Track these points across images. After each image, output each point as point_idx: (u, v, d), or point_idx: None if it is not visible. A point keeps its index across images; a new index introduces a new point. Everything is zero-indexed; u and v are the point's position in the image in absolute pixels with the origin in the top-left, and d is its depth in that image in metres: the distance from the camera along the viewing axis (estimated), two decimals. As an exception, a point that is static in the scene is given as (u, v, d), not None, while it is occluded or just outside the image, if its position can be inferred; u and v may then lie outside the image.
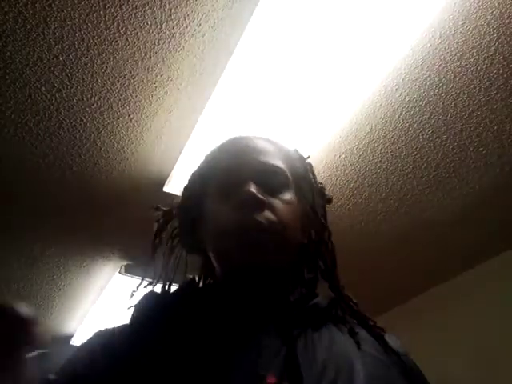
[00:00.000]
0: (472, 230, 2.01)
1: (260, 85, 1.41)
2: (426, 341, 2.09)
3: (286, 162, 0.76)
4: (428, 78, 1.45)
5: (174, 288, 0.77)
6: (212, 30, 1.30)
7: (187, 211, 0.80)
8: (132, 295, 0.80)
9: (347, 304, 0.73)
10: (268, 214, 0.67)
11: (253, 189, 0.67)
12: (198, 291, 0.76)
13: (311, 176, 0.81)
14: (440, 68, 1.43)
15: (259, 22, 1.24)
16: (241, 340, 0.62)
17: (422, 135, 1.63)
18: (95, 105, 1.53)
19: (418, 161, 1.72)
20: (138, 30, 1.31)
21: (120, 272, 2.28)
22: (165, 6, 1.25)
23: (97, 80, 1.45)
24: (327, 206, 0.83)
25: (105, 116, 1.57)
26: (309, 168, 0.82)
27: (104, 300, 2.51)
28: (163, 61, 1.39)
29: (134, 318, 0.70)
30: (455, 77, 1.45)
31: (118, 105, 1.53)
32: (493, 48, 1.36)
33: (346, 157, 1.73)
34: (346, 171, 1.78)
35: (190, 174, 0.84)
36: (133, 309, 0.72)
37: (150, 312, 0.69)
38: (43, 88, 1.47)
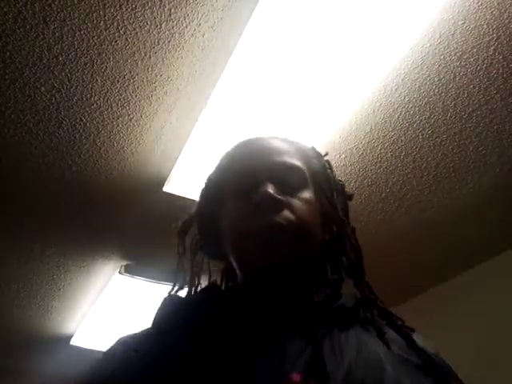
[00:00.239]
0: (472, 229, 2.01)
1: (259, 85, 1.41)
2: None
3: (303, 160, 0.76)
4: (428, 78, 1.45)
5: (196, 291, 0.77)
6: (212, 30, 1.30)
7: (205, 217, 0.80)
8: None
9: (374, 303, 0.71)
10: (287, 213, 0.67)
11: (270, 189, 0.67)
12: (220, 294, 0.75)
13: (329, 173, 0.80)
14: (440, 68, 1.43)
15: (259, 22, 1.24)
16: (265, 342, 0.61)
17: (422, 135, 1.63)
18: (95, 105, 1.53)
19: (418, 161, 1.72)
20: (137, 29, 1.31)
21: (120, 272, 2.28)
22: (164, 5, 1.25)
23: (96, 80, 1.45)
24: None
25: (104, 116, 1.57)
26: (327, 165, 0.81)
27: (104, 300, 2.51)
28: (163, 61, 1.39)
29: (155, 322, 0.70)
30: (455, 77, 1.45)
31: (117, 105, 1.53)
32: (492, 48, 1.36)
33: (345, 157, 1.73)
34: (346, 171, 1.78)
35: (205, 179, 0.84)
36: (155, 313, 0.71)
37: (172, 316, 0.69)
38: (43, 88, 1.47)
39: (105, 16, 1.27)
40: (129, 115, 1.56)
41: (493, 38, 1.33)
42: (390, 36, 1.29)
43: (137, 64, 1.40)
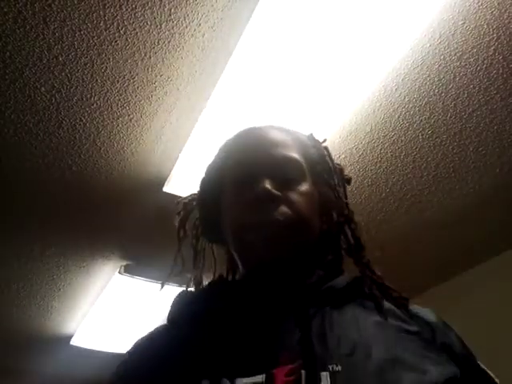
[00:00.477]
0: (472, 229, 2.01)
1: (259, 85, 1.41)
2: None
3: (300, 150, 0.77)
4: (428, 78, 1.45)
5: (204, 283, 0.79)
6: (211, 31, 1.30)
7: (206, 203, 0.82)
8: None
9: (371, 279, 0.72)
10: (284, 208, 0.68)
11: (268, 185, 0.68)
12: (225, 287, 0.77)
13: (328, 159, 0.82)
14: (440, 68, 1.43)
15: (258, 23, 1.24)
16: (260, 326, 0.63)
17: (422, 135, 1.63)
18: (95, 105, 1.53)
19: (418, 161, 1.72)
20: (137, 30, 1.31)
21: (120, 272, 2.28)
22: (164, 6, 1.25)
23: (96, 80, 1.45)
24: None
25: (104, 116, 1.57)
26: (326, 152, 0.82)
27: (104, 300, 2.51)
28: (163, 61, 1.39)
29: (170, 316, 0.73)
30: (455, 77, 1.45)
31: (117, 105, 1.53)
32: (492, 48, 1.36)
33: (345, 157, 1.73)
34: (346, 171, 1.78)
35: (206, 166, 0.85)
36: (169, 308, 0.74)
37: (183, 310, 0.72)
38: (43, 88, 1.47)
39: (105, 16, 1.27)
40: (129, 115, 1.56)
41: (493, 38, 1.33)
42: (390, 36, 1.29)
43: (137, 64, 1.40)
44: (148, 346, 0.70)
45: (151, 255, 2.16)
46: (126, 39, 1.33)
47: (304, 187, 0.73)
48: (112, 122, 1.59)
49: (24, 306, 2.66)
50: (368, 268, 0.74)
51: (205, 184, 0.84)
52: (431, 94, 1.50)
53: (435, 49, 1.37)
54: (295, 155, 0.75)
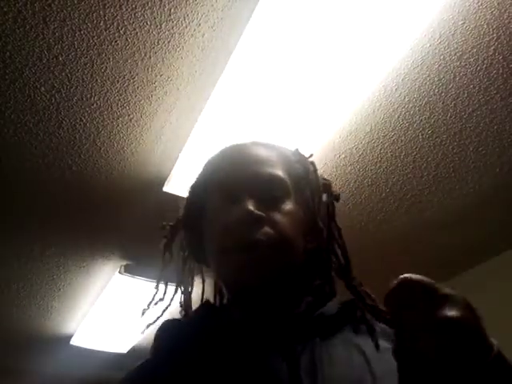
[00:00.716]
0: (472, 229, 2.01)
1: (259, 85, 1.41)
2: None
3: (285, 167, 0.75)
4: (428, 78, 1.45)
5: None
6: (211, 30, 1.30)
7: (190, 224, 0.80)
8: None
9: (363, 302, 0.70)
10: (267, 229, 0.66)
11: (250, 206, 0.67)
12: (212, 314, 0.75)
13: (313, 176, 0.79)
14: (440, 68, 1.43)
15: (258, 23, 1.24)
16: (247, 362, 0.61)
17: (422, 135, 1.63)
18: (95, 105, 1.53)
19: (418, 161, 1.72)
20: (137, 30, 1.31)
21: (120, 272, 2.28)
22: (164, 6, 1.25)
23: (96, 80, 1.45)
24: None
25: (104, 116, 1.57)
26: (311, 168, 0.80)
27: (104, 300, 2.51)
28: (163, 61, 1.39)
29: (155, 348, 0.70)
30: (455, 77, 1.45)
31: (117, 105, 1.53)
32: (492, 48, 1.36)
33: (345, 157, 1.73)
34: (346, 171, 1.78)
35: (190, 186, 0.83)
36: (154, 339, 0.71)
37: (170, 341, 0.69)
38: (43, 88, 1.47)
39: (105, 16, 1.27)
40: (129, 115, 1.56)
41: (493, 38, 1.33)
42: (390, 36, 1.29)
43: (137, 64, 1.40)
44: None
45: (151, 255, 2.15)
46: (126, 39, 1.33)
47: (288, 206, 0.71)
48: (112, 122, 1.59)
49: (24, 306, 2.66)
50: (359, 291, 0.71)
51: (189, 204, 0.82)
52: (431, 93, 1.50)
53: (435, 49, 1.37)
54: (279, 172, 0.73)
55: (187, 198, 0.83)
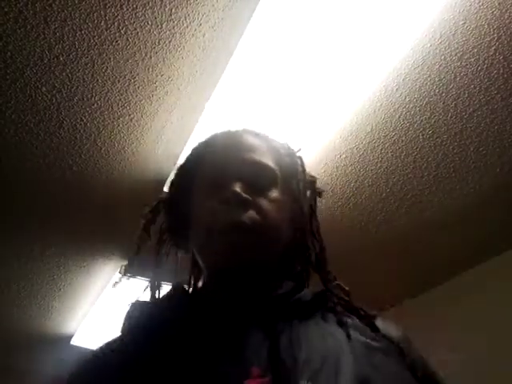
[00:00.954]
0: (472, 229, 2.01)
1: (260, 85, 1.41)
2: (426, 340, 2.09)
3: (274, 157, 0.76)
4: (428, 78, 1.45)
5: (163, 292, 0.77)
6: (212, 30, 1.30)
7: (174, 206, 0.80)
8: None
9: (336, 294, 0.72)
10: (252, 213, 0.67)
11: (238, 188, 0.68)
12: (186, 295, 0.76)
13: (300, 170, 0.80)
14: (440, 68, 1.43)
15: (259, 23, 1.24)
16: (228, 340, 0.62)
17: (423, 135, 1.63)
18: (95, 105, 1.53)
19: (418, 161, 1.72)
20: (138, 29, 1.31)
21: (120, 272, 2.28)
22: (165, 5, 1.25)
23: (97, 80, 1.45)
24: (319, 198, 0.83)
25: (105, 116, 1.57)
26: (299, 162, 0.81)
27: (104, 300, 2.51)
28: (163, 61, 1.39)
29: (124, 328, 0.71)
30: (455, 77, 1.45)
31: (118, 105, 1.53)
32: (493, 48, 1.36)
33: (346, 157, 1.73)
34: (346, 171, 1.78)
35: (177, 167, 0.84)
36: (122, 320, 0.72)
37: (139, 321, 0.69)
38: (44, 88, 1.47)
39: (106, 16, 1.27)
40: (129, 115, 1.56)
41: (493, 38, 1.33)
42: (390, 36, 1.29)
43: (137, 64, 1.40)
44: (101, 365, 0.66)
45: (151, 255, 2.16)
46: (127, 39, 1.33)
47: (274, 194, 0.72)
48: (113, 122, 1.59)
49: (24, 306, 2.66)
50: (330, 287, 0.72)
51: (174, 187, 0.82)
52: (432, 94, 1.50)
53: (436, 49, 1.37)
54: (269, 162, 0.74)
55: (172, 181, 0.83)
